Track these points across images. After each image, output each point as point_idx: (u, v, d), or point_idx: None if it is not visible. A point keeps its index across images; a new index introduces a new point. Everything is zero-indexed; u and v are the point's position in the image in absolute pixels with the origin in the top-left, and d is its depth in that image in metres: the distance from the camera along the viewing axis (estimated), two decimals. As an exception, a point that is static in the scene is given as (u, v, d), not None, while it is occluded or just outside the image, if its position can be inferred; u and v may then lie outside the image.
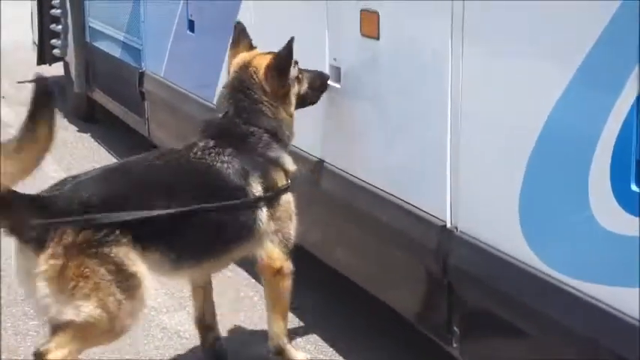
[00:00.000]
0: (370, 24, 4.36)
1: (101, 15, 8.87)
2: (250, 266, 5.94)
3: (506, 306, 3.67)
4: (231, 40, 4.71)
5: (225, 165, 4.22)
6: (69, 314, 3.84)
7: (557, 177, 3.36)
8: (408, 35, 4.19)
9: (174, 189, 4.13)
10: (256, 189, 4.25)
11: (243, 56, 4.52)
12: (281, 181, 4.37)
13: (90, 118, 9.75)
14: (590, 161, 3.16)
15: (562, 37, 3.28)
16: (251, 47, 4.61)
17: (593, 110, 3.14)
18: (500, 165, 3.66)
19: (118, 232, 3.89)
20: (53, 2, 10.17)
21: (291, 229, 4.43)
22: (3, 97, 10.91)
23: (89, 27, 9.20)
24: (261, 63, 4.41)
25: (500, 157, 3.66)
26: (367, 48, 4.44)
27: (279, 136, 4.41)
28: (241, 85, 4.40)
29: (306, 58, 4.70)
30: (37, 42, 10.76)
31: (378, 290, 4.64)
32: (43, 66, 10.85)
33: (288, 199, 4.42)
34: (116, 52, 8.45)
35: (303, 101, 4.59)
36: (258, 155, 4.32)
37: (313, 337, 5.12)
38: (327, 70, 4.76)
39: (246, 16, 5.59)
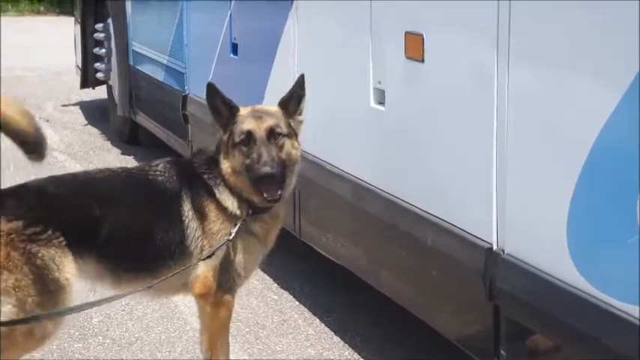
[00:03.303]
0: (415, 46, 4.36)
1: (144, 38, 8.93)
2: (294, 289, 6.02)
3: (553, 329, 3.65)
4: None
5: (162, 179, 4.24)
6: None
7: (606, 198, 3.33)
8: (453, 57, 4.18)
9: (108, 197, 4.17)
10: (186, 207, 4.21)
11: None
12: (212, 211, 4.23)
13: (133, 141, 9.81)
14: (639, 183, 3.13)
15: (613, 52, 3.26)
16: None
17: (643, 131, 3.11)
18: (547, 187, 3.64)
19: (50, 232, 3.94)
20: (96, 26, 10.26)
21: (236, 261, 4.27)
22: (47, 120, 11.00)
23: (132, 50, 9.26)
24: None
25: (547, 178, 3.64)
26: (412, 70, 4.44)
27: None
28: None
29: (350, 82, 4.72)
30: (80, 66, 10.84)
31: (423, 313, 4.61)
32: (86, 89, 10.97)
33: (220, 229, 4.24)
34: (159, 75, 8.50)
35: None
36: (199, 180, 4.27)
37: None
38: (370, 94, 4.76)
39: (289, 39, 5.62)
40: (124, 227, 4.13)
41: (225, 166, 4.20)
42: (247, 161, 4.14)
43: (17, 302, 3.86)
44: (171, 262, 4.21)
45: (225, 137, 4.23)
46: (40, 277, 3.92)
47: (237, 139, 4.18)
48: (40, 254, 3.92)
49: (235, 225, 4.18)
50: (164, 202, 4.23)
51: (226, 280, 4.29)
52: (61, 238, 3.98)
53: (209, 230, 4.22)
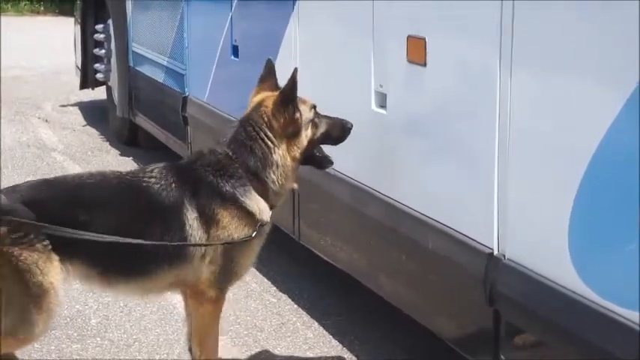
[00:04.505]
0: (417, 50, 4.35)
1: (144, 40, 8.92)
2: (293, 292, 6.01)
3: (554, 335, 3.64)
4: (259, 77, 4.61)
5: (158, 186, 4.21)
6: None
7: (607, 204, 3.33)
8: (456, 61, 4.18)
9: (96, 202, 4.19)
10: (191, 216, 4.19)
11: (262, 95, 4.45)
12: (227, 218, 4.22)
13: (132, 143, 9.79)
14: (641, 189, 3.13)
15: (615, 59, 3.26)
16: (276, 87, 4.47)
17: (645, 137, 3.11)
18: (549, 192, 3.63)
19: (33, 235, 3.96)
20: (96, 27, 10.25)
21: (238, 262, 4.30)
22: (46, 120, 11.00)
23: (132, 52, 9.25)
24: (272, 101, 4.35)
25: (549, 183, 3.63)
26: (414, 74, 4.43)
27: (261, 177, 4.29)
28: (248, 120, 4.35)
29: (352, 85, 4.71)
30: (80, 66, 10.84)
31: (423, 317, 4.60)
32: (85, 90, 10.97)
33: (230, 234, 4.24)
34: (159, 76, 8.49)
35: (314, 154, 4.45)
36: (209, 185, 4.23)
37: None
38: (372, 97, 4.76)
39: (291, 42, 5.61)
40: (112, 232, 4.09)
41: (285, 152, 4.29)
42: (322, 130, 4.37)
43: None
44: (166, 265, 4.20)
45: (281, 123, 4.27)
46: (22, 280, 3.95)
47: (309, 116, 4.33)
48: (22, 257, 3.95)
49: (256, 229, 4.22)
50: (159, 208, 4.20)
51: (224, 280, 4.31)
52: (46, 242, 4.00)
53: (216, 237, 4.21)
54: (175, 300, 5.64)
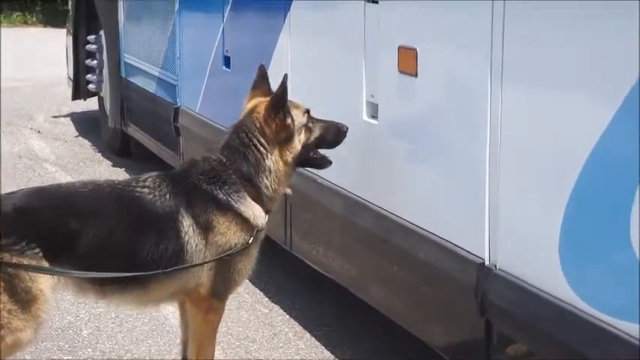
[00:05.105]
0: (408, 60, 4.36)
1: (136, 51, 8.92)
2: (285, 303, 6.00)
3: (545, 344, 3.64)
4: (253, 82, 4.62)
5: (152, 196, 4.21)
6: None
7: (598, 215, 3.34)
8: (447, 72, 4.19)
9: (89, 211, 4.17)
10: (186, 224, 4.19)
11: (255, 101, 4.46)
12: (223, 225, 4.23)
13: (124, 153, 9.78)
14: (632, 199, 3.14)
15: (604, 72, 3.27)
16: (270, 92, 4.45)
17: (635, 147, 3.11)
18: (539, 202, 3.64)
19: (24, 243, 3.96)
20: (89, 38, 10.25)
21: (237, 269, 4.30)
22: (38, 131, 10.99)
23: (124, 62, 9.25)
24: (264, 107, 4.35)
25: (539, 194, 3.64)
26: (405, 84, 4.44)
27: (254, 183, 4.28)
28: (241, 127, 4.35)
29: (343, 95, 4.71)
30: (72, 77, 10.83)
31: (415, 327, 4.60)
32: (77, 101, 10.96)
33: (228, 241, 4.24)
34: (151, 87, 8.50)
35: (310, 157, 4.43)
36: (204, 193, 4.23)
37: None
38: (363, 107, 4.76)
39: (282, 52, 5.62)
40: (104, 241, 4.11)
41: (277, 157, 4.28)
42: (316, 134, 4.37)
43: None
44: (162, 274, 4.19)
45: (273, 129, 4.27)
46: (10, 285, 3.95)
47: (302, 120, 4.33)
48: (11, 262, 3.94)
49: (253, 235, 4.23)
50: (153, 217, 4.19)
51: (224, 288, 4.31)
52: (37, 250, 3.99)
53: (214, 242, 4.21)
54: (167, 311, 5.64)
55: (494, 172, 3.84)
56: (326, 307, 5.95)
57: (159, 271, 4.12)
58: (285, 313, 5.90)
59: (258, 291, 6.19)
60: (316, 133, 4.41)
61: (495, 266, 3.89)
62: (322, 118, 4.46)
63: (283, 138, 4.31)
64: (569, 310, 3.45)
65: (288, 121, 4.29)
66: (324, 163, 4.49)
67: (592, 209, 3.36)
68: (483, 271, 3.93)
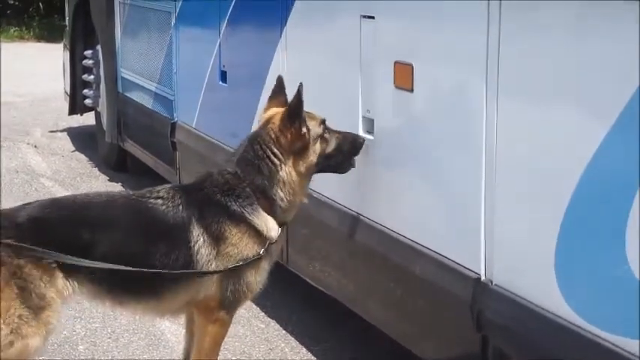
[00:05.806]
0: (404, 76, 4.37)
1: (133, 65, 8.93)
2: (282, 318, 5.99)
3: (541, 360, 3.64)
4: (270, 93, 4.65)
5: (165, 208, 4.23)
6: None
7: (594, 230, 3.34)
8: (443, 87, 4.19)
9: (103, 221, 4.22)
10: (197, 234, 4.20)
11: (271, 111, 4.48)
12: (235, 236, 4.24)
13: (121, 168, 9.77)
14: (627, 214, 3.14)
15: (600, 86, 3.27)
16: (286, 103, 4.45)
17: (631, 163, 3.11)
18: (535, 218, 3.64)
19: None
20: (85, 53, 10.26)
21: (248, 281, 4.30)
22: (35, 146, 10.98)
23: (121, 77, 9.26)
24: (279, 117, 4.37)
25: (535, 209, 3.64)
26: (401, 100, 4.44)
27: (268, 195, 4.30)
28: (256, 138, 4.37)
29: (339, 110, 4.71)
30: (69, 92, 10.84)
31: (412, 343, 4.59)
32: (74, 116, 10.96)
33: (239, 252, 4.25)
34: (148, 102, 8.50)
35: (328, 164, 4.45)
36: (217, 205, 4.25)
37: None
38: (359, 123, 4.76)
39: (278, 67, 5.62)
40: (118, 250, 4.13)
41: (291, 168, 4.29)
42: (332, 145, 4.38)
43: None
44: (173, 284, 4.21)
45: (288, 138, 4.28)
46: (25, 290, 3.96)
47: (318, 131, 4.35)
48: (26, 268, 3.97)
49: (265, 246, 4.24)
50: (165, 228, 4.21)
51: (233, 300, 4.31)
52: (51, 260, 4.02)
53: (226, 254, 4.22)
54: (164, 326, 5.63)
55: (490, 187, 3.84)
56: (323, 322, 5.94)
57: (167, 271, 4.14)
58: (281, 328, 5.89)
59: (254, 306, 6.18)
60: (332, 144, 4.42)
61: (491, 282, 3.88)
62: (339, 130, 4.47)
63: (299, 148, 4.31)
64: (565, 325, 3.45)
65: (304, 130, 4.30)
66: (346, 165, 4.53)
67: (588, 224, 3.36)
68: (480, 287, 3.92)
